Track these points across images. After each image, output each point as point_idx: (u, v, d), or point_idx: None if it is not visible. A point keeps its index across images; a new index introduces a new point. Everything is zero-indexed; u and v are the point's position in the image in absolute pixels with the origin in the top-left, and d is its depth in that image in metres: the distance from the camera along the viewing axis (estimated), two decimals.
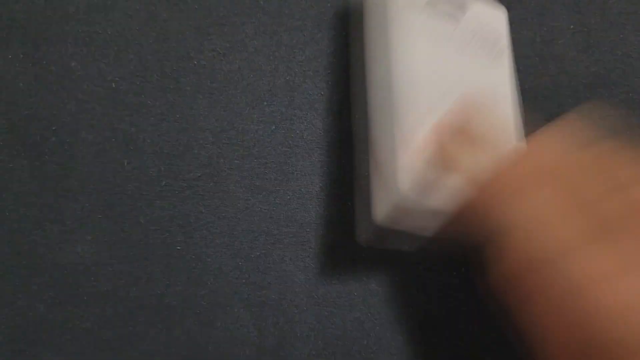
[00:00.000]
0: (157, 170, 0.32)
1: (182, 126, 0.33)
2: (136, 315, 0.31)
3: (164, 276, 0.32)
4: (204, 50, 0.34)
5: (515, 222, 0.23)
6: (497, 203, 0.23)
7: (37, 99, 0.33)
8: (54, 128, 0.33)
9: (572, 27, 0.34)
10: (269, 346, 0.31)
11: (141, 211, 0.32)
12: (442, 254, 0.31)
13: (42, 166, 0.32)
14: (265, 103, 0.33)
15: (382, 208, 0.27)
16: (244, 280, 0.32)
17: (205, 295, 0.31)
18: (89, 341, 0.31)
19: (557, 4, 0.34)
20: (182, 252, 0.32)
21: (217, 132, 0.33)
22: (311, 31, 0.34)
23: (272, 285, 0.32)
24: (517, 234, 0.23)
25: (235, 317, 0.31)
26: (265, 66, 0.33)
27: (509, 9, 0.34)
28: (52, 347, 0.31)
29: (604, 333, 0.20)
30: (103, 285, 0.32)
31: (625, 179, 0.23)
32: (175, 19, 0.34)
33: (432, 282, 0.31)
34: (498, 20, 0.31)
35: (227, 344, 0.31)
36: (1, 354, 0.31)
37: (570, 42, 0.34)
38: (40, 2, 0.33)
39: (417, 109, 0.27)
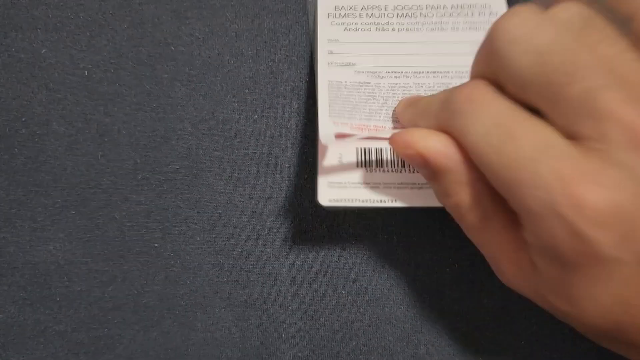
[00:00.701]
0: (133, 162, 0.31)
1: (159, 116, 0.31)
2: (112, 316, 0.30)
3: (140, 275, 0.30)
4: (181, 35, 0.32)
5: None
6: None
7: (5, 89, 0.31)
8: (23, 119, 0.31)
9: None
10: (252, 348, 0.29)
11: (116, 206, 0.30)
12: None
13: (11, 159, 0.31)
14: (246, 90, 0.31)
15: (321, 197, 0.27)
16: (225, 279, 0.30)
17: (185, 294, 0.30)
18: (63, 344, 0.30)
19: None
20: (159, 249, 0.30)
21: (196, 121, 0.31)
22: (295, 14, 0.32)
23: (255, 283, 0.30)
24: None
25: (216, 318, 0.30)
26: (246, 51, 0.32)
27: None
28: (23, 350, 0.29)
29: None
30: (77, 284, 0.30)
31: None
32: (151, 3, 0.32)
33: (423, 280, 0.30)
34: None
35: (207, 345, 0.29)
36: None
37: None
38: None
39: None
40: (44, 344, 0.30)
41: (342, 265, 0.30)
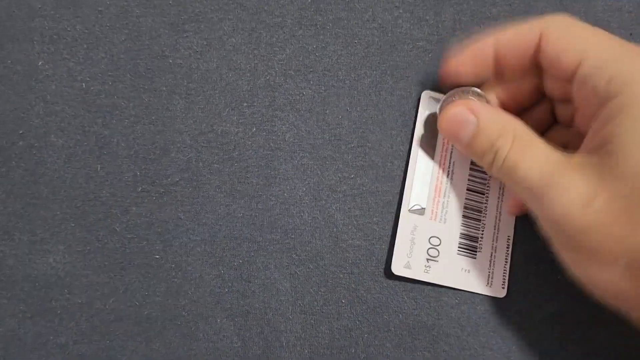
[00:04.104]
0: (133, 175, 0.31)
1: (158, 128, 0.31)
2: (113, 328, 0.30)
3: (142, 286, 0.30)
4: (179, 48, 0.32)
5: None
6: None
7: (2, 101, 0.31)
8: (21, 132, 0.31)
9: None
10: (254, 357, 0.30)
11: (116, 218, 0.31)
12: None
13: (9, 172, 0.30)
14: (245, 104, 0.32)
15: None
16: (226, 289, 0.30)
17: (186, 305, 0.30)
18: (64, 357, 0.30)
19: (541, 1, 0.33)
20: (160, 260, 0.30)
21: (195, 134, 0.31)
22: (291, 28, 0.32)
23: (256, 293, 0.30)
24: None
25: (218, 328, 0.30)
26: (244, 65, 0.32)
27: (494, 5, 0.33)
28: None
29: None
30: (77, 297, 0.30)
31: None
32: (148, 15, 0.32)
33: (421, 288, 0.31)
34: None
35: (209, 355, 0.30)
36: None
37: None
38: None
39: None
40: (45, 357, 0.30)
41: (341, 275, 0.31)
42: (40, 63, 0.31)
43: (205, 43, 0.32)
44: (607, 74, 0.24)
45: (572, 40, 0.26)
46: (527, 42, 0.27)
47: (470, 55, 0.29)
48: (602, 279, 0.24)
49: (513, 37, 0.28)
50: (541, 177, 0.25)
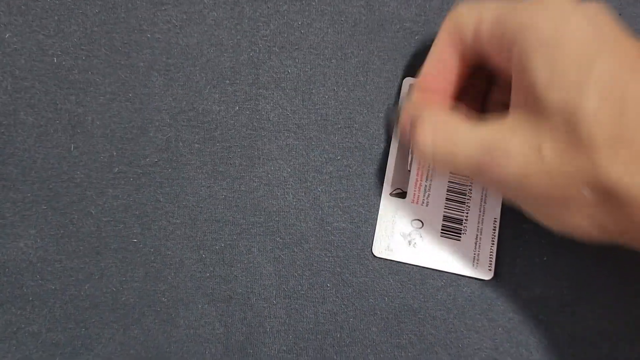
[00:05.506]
0: (109, 155, 0.29)
1: (136, 106, 0.30)
2: (89, 315, 0.29)
3: (119, 271, 0.29)
4: (157, 22, 0.30)
5: None
6: None
7: None
8: None
9: None
10: (237, 343, 0.29)
11: (92, 201, 0.29)
12: None
13: None
14: (227, 81, 0.30)
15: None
16: (207, 274, 0.29)
17: (166, 290, 0.29)
18: (37, 345, 0.28)
19: None
20: (138, 244, 0.29)
21: (175, 113, 0.30)
22: (276, 2, 0.31)
23: (239, 278, 0.29)
24: None
25: (199, 314, 0.29)
26: (226, 41, 0.31)
27: None
28: None
29: None
30: (51, 283, 0.29)
31: None
32: None
33: (407, 270, 0.30)
34: None
35: (190, 342, 0.29)
36: None
37: None
38: None
39: None
40: (17, 346, 0.28)
41: (327, 259, 0.30)
42: (7, 35, 0.30)
43: (185, 17, 0.31)
44: (499, 30, 0.25)
45: (466, 17, 0.27)
46: (447, 64, 0.28)
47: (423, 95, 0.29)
48: (580, 221, 0.24)
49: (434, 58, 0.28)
50: (482, 149, 0.25)
